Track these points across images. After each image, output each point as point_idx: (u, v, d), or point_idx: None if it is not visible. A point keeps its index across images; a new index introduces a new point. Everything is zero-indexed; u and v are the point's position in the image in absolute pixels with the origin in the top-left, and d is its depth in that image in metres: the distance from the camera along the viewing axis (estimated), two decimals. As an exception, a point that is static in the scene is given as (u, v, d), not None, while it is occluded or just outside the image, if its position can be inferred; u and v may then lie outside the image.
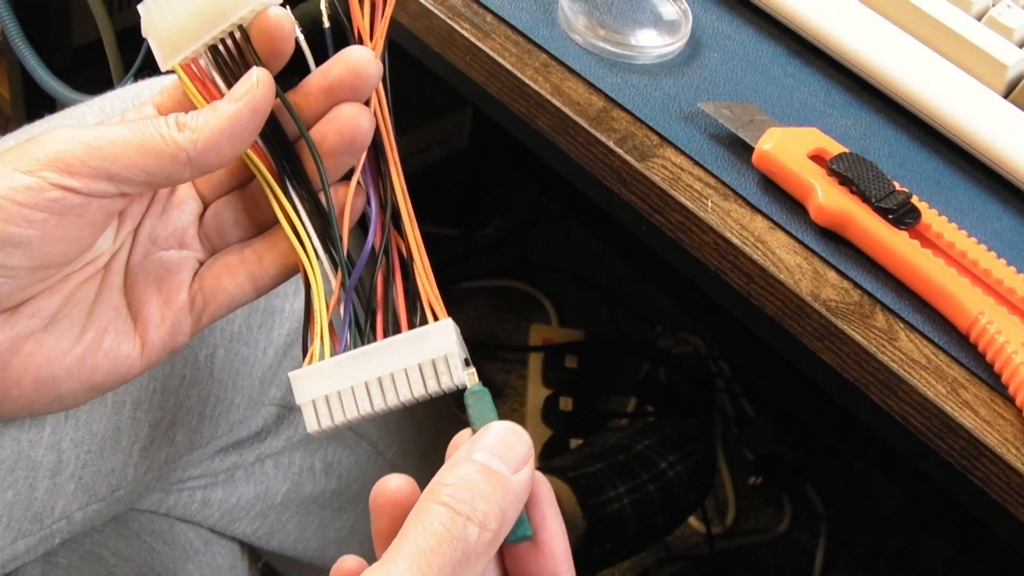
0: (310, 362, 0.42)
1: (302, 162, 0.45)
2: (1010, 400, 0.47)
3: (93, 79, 0.94)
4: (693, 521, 1.16)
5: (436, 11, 0.57)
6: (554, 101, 0.54)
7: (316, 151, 0.44)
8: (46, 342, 0.43)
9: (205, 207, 0.47)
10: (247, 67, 0.44)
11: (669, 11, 0.58)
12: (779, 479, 1.22)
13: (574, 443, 1.20)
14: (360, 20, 0.44)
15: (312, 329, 0.43)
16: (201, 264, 0.47)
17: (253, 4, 0.43)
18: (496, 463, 0.38)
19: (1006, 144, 0.54)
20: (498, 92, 0.56)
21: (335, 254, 0.44)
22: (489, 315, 1.29)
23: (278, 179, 0.45)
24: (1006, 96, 0.56)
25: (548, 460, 1.16)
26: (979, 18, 0.58)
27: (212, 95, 0.44)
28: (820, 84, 0.58)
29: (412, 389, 0.41)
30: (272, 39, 0.44)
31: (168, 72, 0.45)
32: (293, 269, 0.46)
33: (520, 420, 1.22)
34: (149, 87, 0.56)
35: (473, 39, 0.56)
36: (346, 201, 0.44)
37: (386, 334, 0.42)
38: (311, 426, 0.41)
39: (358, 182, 0.45)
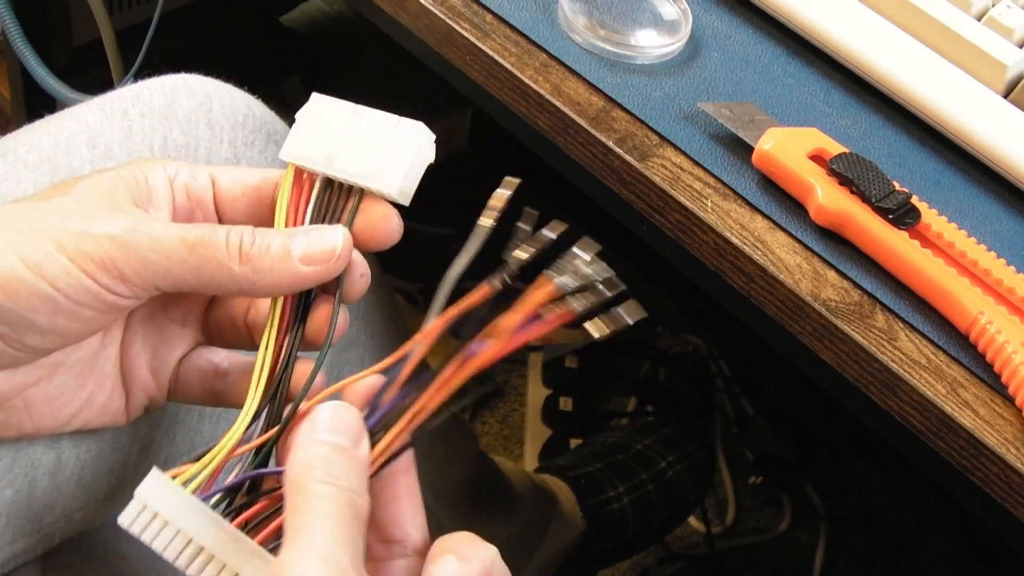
0: (178, 476, 0.41)
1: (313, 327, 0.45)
2: (1010, 400, 0.47)
3: (93, 79, 0.94)
4: (693, 521, 1.16)
5: (436, 11, 0.57)
6: (554, 101, 0.54)
7: (332, 331, 0.44)
8: (50, 392, 0.44)
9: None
10: (340, 219, 0.44)
11: (669, 11, 0.58)
12: (779, 479, 1.22)
13: (574, 443, 1.20)
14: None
15: (206, 455, 0.41)
16: (194, 346, 0.47)
17: (383, 189, 0.44)
18: (340, 439, 0.39)
19: (1006, 144, 0.54)
20: (498, 92, 0.56)
21: (268, 418, 0.42)
22: (489, 315, 1.29)
23: (284, 325, 0.44)
24: (1006, 96, 0.56)
25: (548, 460, 1.16)
26: (979, 18, 0.58)
27: (295, 211, 0.44)
28: (820, 84, 0.58)
29: None
30: (373, 228, 0.44)
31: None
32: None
33: (520, 420, 1.22)
34: (149, 87, 0.56)
35: (473, 39, 0.56)
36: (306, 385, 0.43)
37: (242, 526, 0.40)
38: (124, 520, 0.40)
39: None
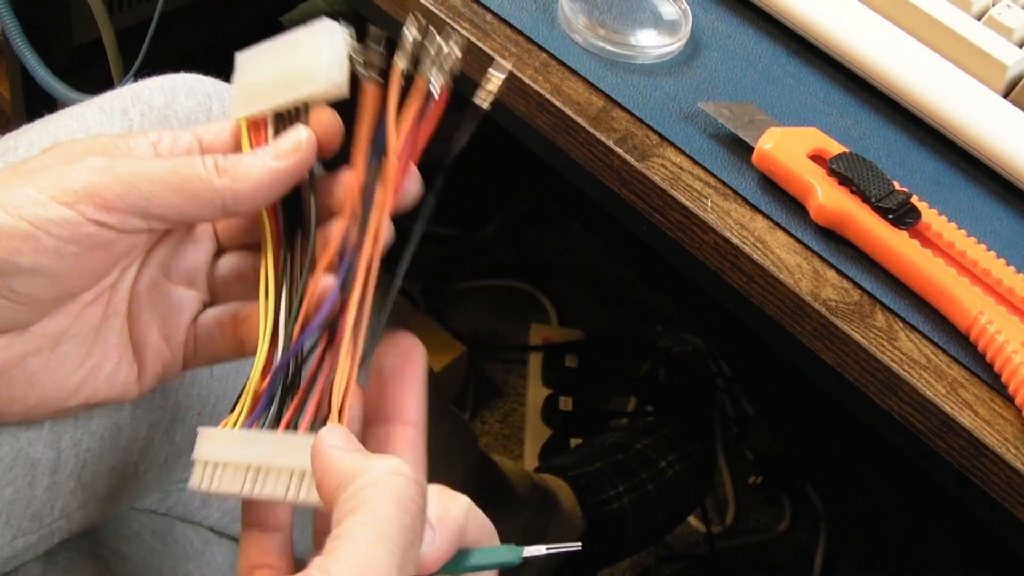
0: (225, 425, 0.42)
1: (308, 239, 0.45)
2: (1010, 400, 0.47)
3: (93, 79, 0.94)
4: (693, 521, 1.16)
5: (436, 11, 0.57)
6: (554, 101, 0.54)
7: (313, 229, 0.45)
8: (52, 362, 0.43)
9: (221, 250, 0.48)
10: None
11: (669, 11, 0.58)
12: (779, 479, 1.22)
13: (574, 443, 1.20)
14: (393, 104, 0.45)
15: (243, 394, 0.43)
16: (204, 307, 0.47)
17: (313, 87, 0.44)
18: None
19: (1006, 144, 0.54)
20: (498, 92, 0.56)
21: (286, 333, 0.43)
22: (489, 315, 1.29)
23: (277, 245, 0.45)
24: (1006, 96, 0.56)
25: (548, 460, 1.16)
26: (979, 18, 0.58)
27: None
28: (820, 84, 0.58)
29: (278, 490, 0.40)
30: (326, 131, 0.45)
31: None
32: None
33: (520, 420, 1.22)
34: (149, 87, 0.56)
35: (473, 39, 0.56)
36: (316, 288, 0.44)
37: (290, 427, 0.42)
38: (193, 482, 0.42)
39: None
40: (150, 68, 0.63)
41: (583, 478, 1.04)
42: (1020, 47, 0.57)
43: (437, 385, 0.80)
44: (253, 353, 0.46)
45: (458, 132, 0.44)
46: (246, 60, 0.47)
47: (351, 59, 0.44)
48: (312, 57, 0.45)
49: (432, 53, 0.44)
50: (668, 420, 1.18)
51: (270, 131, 0.45)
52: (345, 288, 0.43)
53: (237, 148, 0.46)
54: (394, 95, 0.44)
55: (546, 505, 0.99)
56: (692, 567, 1.16)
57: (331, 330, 0.43)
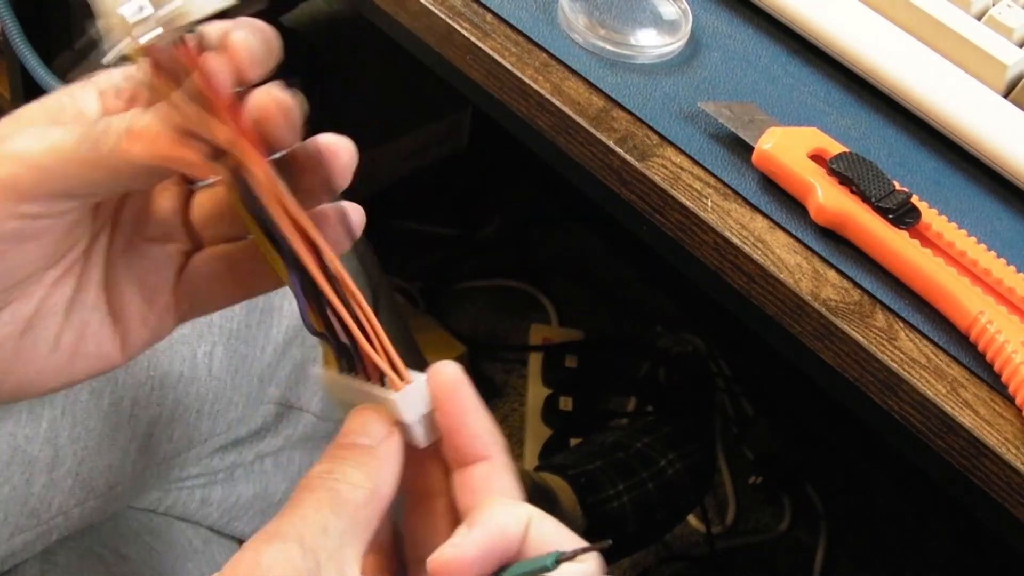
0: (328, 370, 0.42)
1: (295, 176, 0.41)
2: (1010, 400, 0.47)
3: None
4: (693, 520, 1.16)
5: (436, 11, 0.57)
6: (554, 101, 0.54)
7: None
8: (24, 348, 0.41)
9: (192, 190, 0.44)
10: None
11: (669, 11, 0.58)
12: (779, 479, 1.22)
13: (574, 443, 1.20)
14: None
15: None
16: (189, 255, 0.44)
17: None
18: (363, 439, 0.39)
19: (1006, 144, 0.54)
20: (498, 92, 0.56)
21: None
22: (489, 315, 1.29)
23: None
24: (1006, 96, 0.56)
25: (548, 459, 1.16)
26: (979, 18, 0.58)
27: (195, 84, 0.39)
28: (820, 84, 0.58)
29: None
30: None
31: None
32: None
33: (520, 420, 1.22)
34: None
35: (473, 39, 0.56)
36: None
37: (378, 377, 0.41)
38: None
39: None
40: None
41: (583, 477, 1.04)
42: (1020, 47, 0.57)
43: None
44: (264, 291, 0.44)
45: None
46: None
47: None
48: None
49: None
50: (668, 419, 1.18)
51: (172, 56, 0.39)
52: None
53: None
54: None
55: (546, 504, 0.99)
56: (692, 567, 1.16)
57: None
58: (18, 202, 0.37)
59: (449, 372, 0.40)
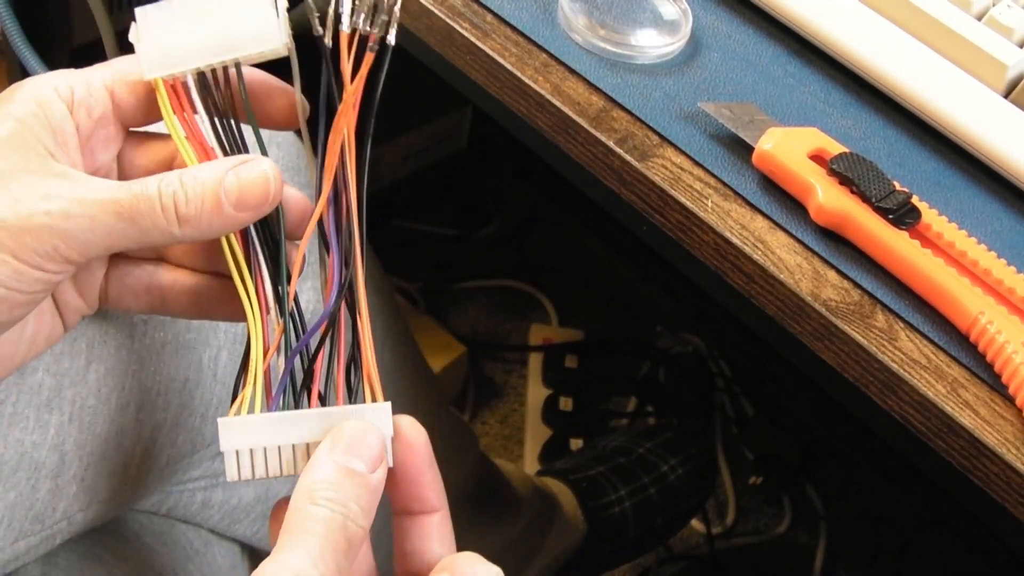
0: (239, 411, 0.42)
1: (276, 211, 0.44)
2: (1010, 400, 0.47)
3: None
4: (693, 521, 1.16)
5: (436, 11, 0.57)
6: (554, 101, 0.54)
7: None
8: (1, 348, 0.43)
9: None
10: (233, 104, 0.43)
11: (669, 11, 0.58)
12: (779, 479, 1.22)
13: (574, 443, 1.20)
14: (345, 62, 0.43)
15: (246, 377, 0.42)
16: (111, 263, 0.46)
17: (264, 48, 0.43)
18: (357, 463, 0.40)
19: (1006, 144, 0.54)
20: (498, 92, 0.56)
21: (281, 308, 0.43)
22: (489, 315, 1.29)
23: (241, 239, 0.43)
24: (1006, 96, 0.56)
25: (549, 462, 1.16)
26: (979, 18, 0.58)
27: (191, 132, 0.43)
28: (820, 84, 0.58)
29: None
30: (270, 96, 0.45)
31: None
32: (231, 315, 0.45)
33: (520, 420, 1.22)
34: None
35: (473, 39, 0.56)
36: (297, 255, 0.43)
37: (321, 403, 0.42)
38: (231, 475, 0.41)
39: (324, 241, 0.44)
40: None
41: (584, 481, 1.04)
42: (1020, 47, 0.57)
43: (437, 385, 0.80)
44: (167, 313, 0.45)
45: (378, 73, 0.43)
46: (155, 12, 0.44)
47: (309, 13, 0.42)
48: (256, 12, 0.43)
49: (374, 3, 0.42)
50: (669, 423, 1.18)
51: (194, 95, 0.43)
52: (341, 253, 0.42)
53: (150, 107, 0.44)
54: (346, 50, 0.42)
55: (547, 509, 0.99)
56: (692, 567, 1.16)
57: (347, 298, 0.42)
58: (63, 264, 0.39)
59: (414, 422, 0.43)
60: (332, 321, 0.42)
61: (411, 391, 0.74)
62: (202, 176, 0.41)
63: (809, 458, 1.23)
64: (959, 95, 0.56)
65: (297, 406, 0.42)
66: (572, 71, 0.55)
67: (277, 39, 0.43)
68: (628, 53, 0.56)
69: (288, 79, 0.45)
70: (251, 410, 0.41)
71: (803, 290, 0.49)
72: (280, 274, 0.43)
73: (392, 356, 0.71)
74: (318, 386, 0.42)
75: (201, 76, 0.43)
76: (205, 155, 0.43)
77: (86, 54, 1.00)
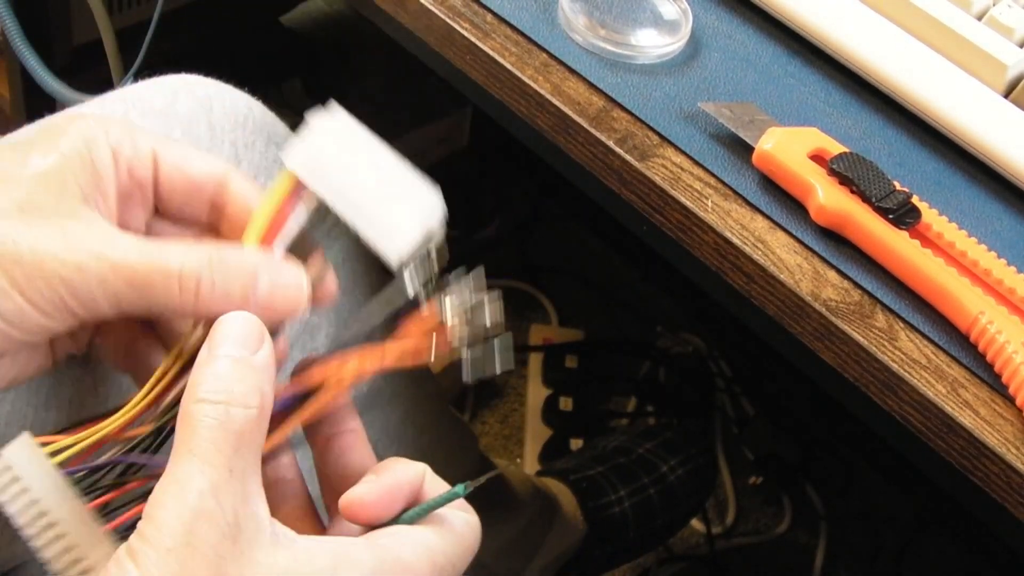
0: (49, 444, 0.38)
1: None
2: (1010, 400, 0.47)
3: (93, 79, 0.94)
4: (693, 521, 1.16)
5: (436, 11, 0.57)
6: (554, 101, 0.54)
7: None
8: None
9: None
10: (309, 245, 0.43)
11: (669, 11, 0.58)
12: (779, 479, 1.22)
13: (574, 443, 1.20)
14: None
15: (84, 430, 0.40)
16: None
17: (380, 247, 0.42)
18: (237, 351, 0.38)
19: (1006, 144, 0.54)
20: (498, 92, 0.56)
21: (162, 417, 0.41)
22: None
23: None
24: (1006, 96, 0.56)
25: (549, 462, 1.16)
26: (979, 18, 0.58)
27: (273, 223, 0.42)
28: (820, 84, 0.58)
29: (48, 555, 0.38)
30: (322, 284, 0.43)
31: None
32: None
33: (520, 420, 1.22)
34: (149, 87, 0.56)
35: (473, 39, 0.56)
36: None
37: (102, 508, 0.39)
38: None
39: None
40: (150, 68, 0.63)
41: (584, 482, 1.03)
42: (1020, 47, 0.57)
43: (437, 385, 0.80)
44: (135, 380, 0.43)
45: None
46: (341, 125, 0.43)
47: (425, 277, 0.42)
48: (405, 219, 0.42)
49: (470, 308, 0.42)
50: (670, 423, 1.18)
51: (300, 216, 0.42)
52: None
53: (194, 191, 0.43)
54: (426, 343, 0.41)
55: (547, 509, 0.99)
56: (692, 567, 1.16)
57: None
58: (68, 316, 0.38)
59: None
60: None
61: (411, 391, 0.74)
62: (233, 263, 0.40)
63: (809, 458, 1.23)
64: (959, 95, 0.56)
65: (89, 492, 0.39)
66: (572, 71, 0.55)
67: (394, 253, 0.42)
68: (628, 53, 0.56)
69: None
70: (58, 452, 0.39)
71: (803, 290, 0.49)
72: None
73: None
74: (109, 497, 0.39)
75: (318, 212, 0.42)
76: (266, 242, 0.42)
77: (86, 54, 1.00)
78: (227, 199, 0.44)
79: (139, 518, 0.36)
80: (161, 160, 0.43)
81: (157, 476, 0.37)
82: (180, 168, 0.43)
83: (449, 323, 0.40)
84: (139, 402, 0.40)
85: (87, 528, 0.37)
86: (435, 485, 0.42)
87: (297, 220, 0.42)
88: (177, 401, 0.39)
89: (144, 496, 0.37)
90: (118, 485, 0.39)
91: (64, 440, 0.39)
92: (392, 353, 0.41)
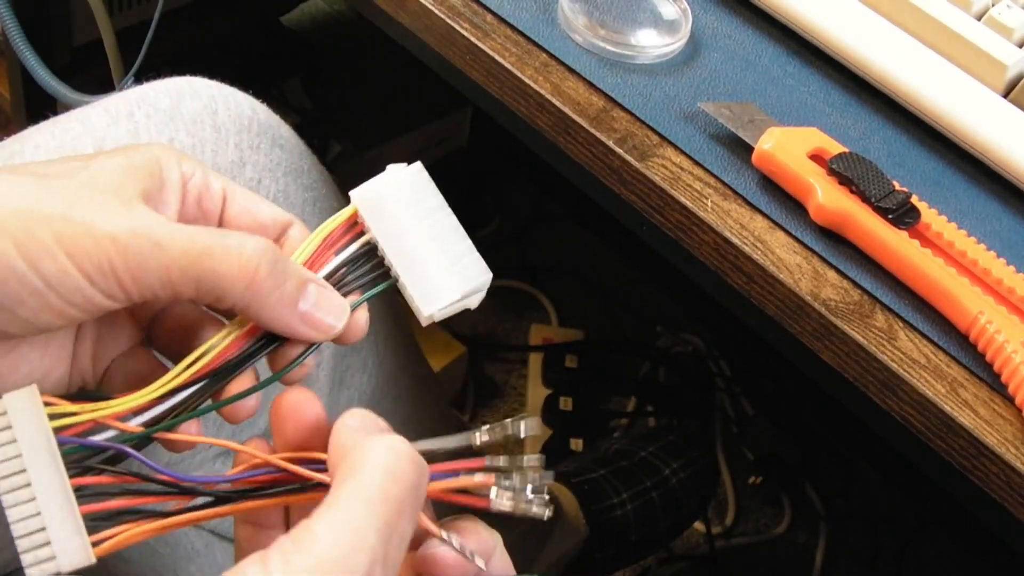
0: (53, 405, 0.37)
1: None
2: (1010, 400, 0.47)
3: (93, 79, 0.94)
4: (693, 521, 1.16)
5: (436, 11, 0.57)
6: (554, 101, 0.54)
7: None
8: (1, 367, 0.40)
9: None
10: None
11: (669, 11, 0.58)
12: (779, 479, 1.22)
13: (574, 443, 1.20)
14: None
15: (93, 404, 0.38)
16: (132, 345, 0.43)
17: (417, 304, 0.43)
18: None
19: (1006, 144, 0.54)
20: (498, 92, 0.56)
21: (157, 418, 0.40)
22: (489, 315, 1.29)
23: (248, 333, 0.41)
24: (1006, 96, 0.56)
25: (550, 464, 1.16)
26: (979, 18, 0.58)
27: (323, 249, 0.43)
28: (820, 84, 0.58)
29: (17, 532, 0.36)
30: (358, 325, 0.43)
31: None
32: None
33: (520, 420, 1.22)
34: (154, 89, 0.56)
35: (473, 39, 0.56)
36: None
37: (78, 488, 0.38)
38: None
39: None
40: (150, 68, 0.63)
41: (586, 485, 1.03)
42: (1020, 47, 0.57)
43: (437, 385, 0.80)
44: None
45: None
46: (417, 180, 0.44)
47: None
48: (450, 283, 0.43)
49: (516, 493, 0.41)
50: (671, 426, 1.18)
51: (351, 249, 0.43)
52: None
53: (259, 233, 0.42)
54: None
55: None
56: (692, 567, 1.16)
57: None
58: (113, 285, 0.37)
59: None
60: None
61: (411, 391, 0.74)
62: (291, 264, 0.40)
63: (809, 458, 1.23)
64: (959, 95, 0.56)
65: (72, 466, 0.37)
66: (572, 71, 0.55)
67: (427, 311, 0.43)
68: (628, 53, 0.56)
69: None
70: (59, 417, 0.37)
71: (803, 290, 0.49)
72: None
73: (393, 357, 0.71)
74: (90, 480, 0.37)
75: (373, 248, 0.43)
76: (311, 266, 0.42)
77: (86, 54, 1.00)
78: (284, 245, 0.43)
79: (120, 512, 0.36)
80: (231, 200, 0.43)
81: (147, 478, 0.37)
82: (249, 211, 0.43)
83: (492, 499, 0.40)
84: (151, 391, 0.39)
85: (60, 501, 0.36)
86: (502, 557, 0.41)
87: (345, 254, 0.43)
88: (185, 406, 0.39)
89: (129, 493, 0.37)
90: (97, 472, 0.38)
91: (67, 406, 0.38)
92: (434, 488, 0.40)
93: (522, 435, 0.41)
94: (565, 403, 1.22)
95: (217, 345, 0.41)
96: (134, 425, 0.39)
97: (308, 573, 0.32)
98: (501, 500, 0.40)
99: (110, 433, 0.38)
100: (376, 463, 0.35)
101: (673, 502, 1.06)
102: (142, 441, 0.39)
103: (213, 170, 0.43)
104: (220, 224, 0.43)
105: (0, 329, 0.37)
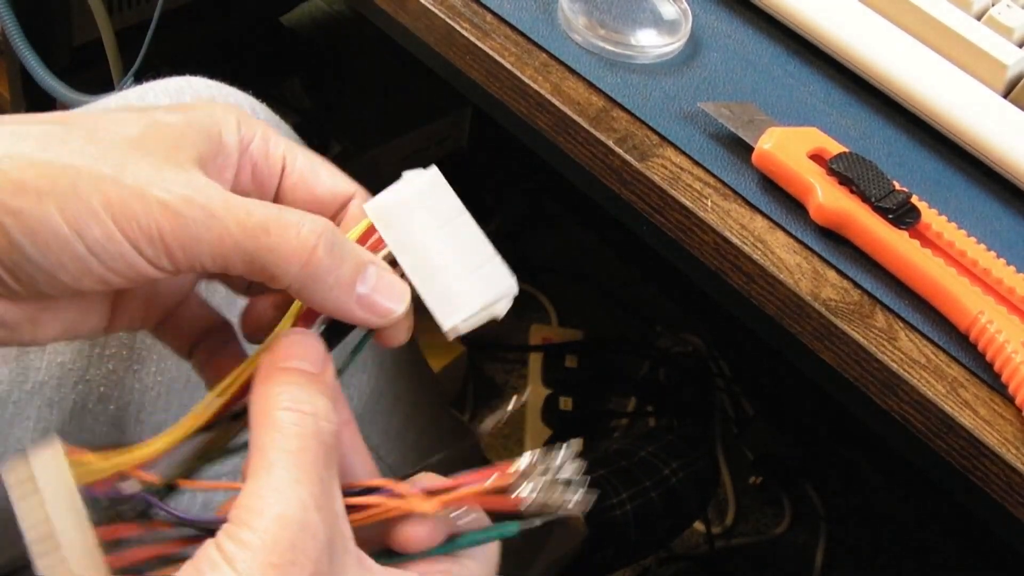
0: (78, 458, 0.37)
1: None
2: (1010, 400, 0.47)
3: (93, 79, 0.94)
4: (693, 521, 1.16)
5: (436, 11, 0.57)
6: (554, 101, 0.54)
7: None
8: (37, 317, 0.39)
9: None
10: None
11: (669, 11, 0.58)
12: (779, 479, 1.22)
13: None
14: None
15: (117, 455, 0.38)
16: (190, 292, 0.43)
17: (437, 315, 0.41)
18: (307, 365, 0.37)
19: (1006, 144, 0.54)
20: (498, 92, 0.56)
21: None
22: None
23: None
24: (1006, 96, 0.56)
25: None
26: (979, 18, 0.58)
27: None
28: (820, 84, 0.58)
29: (40, 565, 0.38)
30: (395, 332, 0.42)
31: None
32: None
33: (520, 420, 1.22)
34: (155, 89, 0.56)
35: (473, 39, 0.56)
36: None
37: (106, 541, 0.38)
38: (5, 468, 0.38)
39: None
40: (150, 68, 0.63)
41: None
42: (1020, 47, 0.57)
43: (437, 385, 0.80)
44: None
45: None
46: (432, 186, 0.42)
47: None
48: (470, 293, 0.41)
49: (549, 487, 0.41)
50: (671, 426, 1.18)
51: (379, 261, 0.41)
52: None
53: (316, 208, 0.40)
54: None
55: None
56: (692, 567, 1.16)
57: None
58: (160, 254, 0.35)
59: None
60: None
61: (411, 391, 0.74)
62: (350, 244, 0.38)
63: (809, 458, 1.23)
64: (959, 95, 0.56)
65: (100, 518, 0.37)
66: (572, 71, 0.55)
67: (449, 323, 0.41)
68: (628, 53, 0.56)
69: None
70: (83, 467, 0.37)
71: (803, 290, 0.49)
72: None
73: (393, 356, 0.71)
74: (113, 531, 0.38)
75: (392, 260, 0.41)
76: None
77: (86, 54, 1.00)
78: (343, 219, 0.42)
79: (148, 566, 0.36)
80: (289, 169, 0.41)
81: (175, 523, 0.37)
82: (307, 182, 0.41)
83: (524, 498, 0.40)
84: (178, 430, 0.39)
85: (89, 557, 0.36)
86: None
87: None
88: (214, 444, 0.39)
89: (155, 541, 0.37)
90: (134, 519, 0.38)
91: (92, 459, 0.37)
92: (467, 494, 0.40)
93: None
94: (565, 403, 1.22)
95: (248, 368, 0.39)
96: (153, 474, 0.38)
97: (260, 549, 0.33)
98: (534, 494, 0.40)
99: (135, 484, 0.38)
100: (284, 446, 0.35)
101: (673, 502, 1.06)
102: (169, 487, 0.39)
103: (275, 131, 0.41)
104: (276, 194, 0.41)
105: (39, 290, 0.35)
